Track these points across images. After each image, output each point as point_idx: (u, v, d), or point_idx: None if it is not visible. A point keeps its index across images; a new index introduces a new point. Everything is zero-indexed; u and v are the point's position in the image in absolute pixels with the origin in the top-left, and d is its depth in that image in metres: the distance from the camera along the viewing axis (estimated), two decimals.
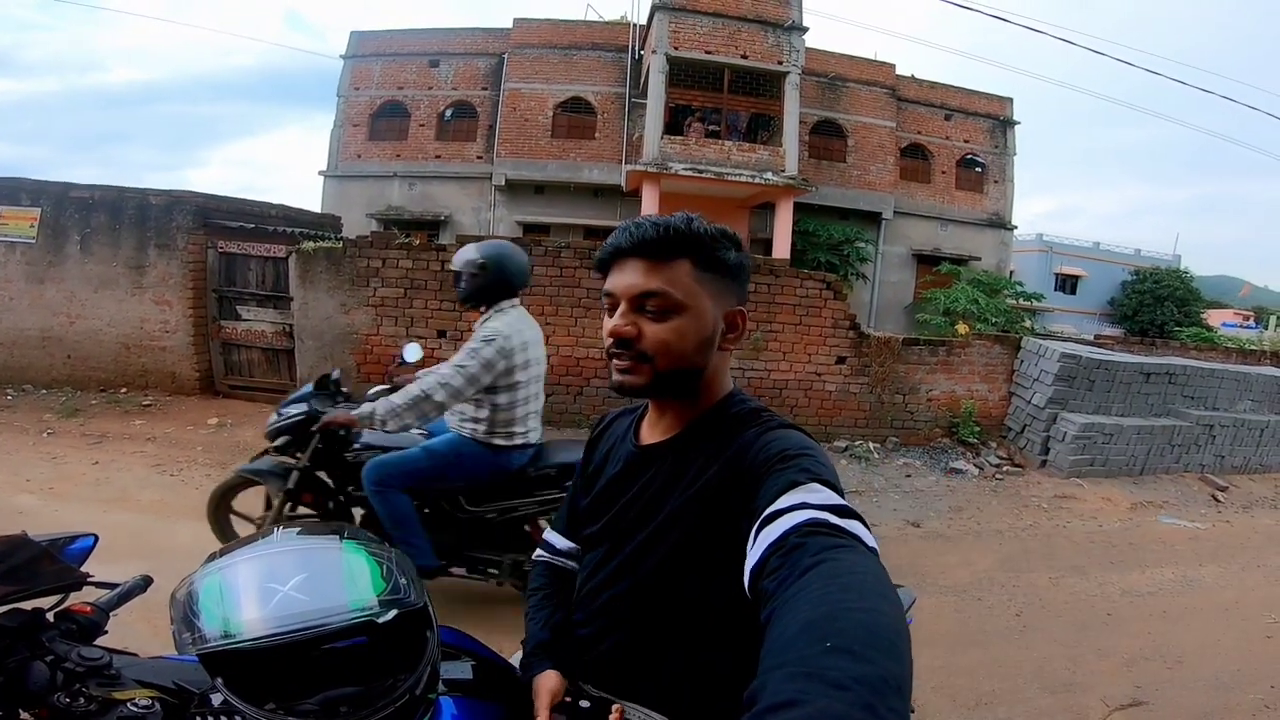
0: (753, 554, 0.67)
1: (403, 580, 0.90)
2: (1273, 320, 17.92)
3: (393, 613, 0.84)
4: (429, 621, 0.92)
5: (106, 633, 1.02)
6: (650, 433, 0.99)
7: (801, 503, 0.68)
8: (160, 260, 6.90)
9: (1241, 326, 26.82)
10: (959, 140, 17.30)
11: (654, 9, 13.29)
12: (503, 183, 15.64)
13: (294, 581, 0.83)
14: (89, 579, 1.03)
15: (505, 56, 15.89)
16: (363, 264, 6.48)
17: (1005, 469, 6.57)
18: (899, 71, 16.70)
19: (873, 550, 0.63)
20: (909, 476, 6.15)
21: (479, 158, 16.23)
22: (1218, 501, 6.04)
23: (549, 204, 15.77)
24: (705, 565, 0.83)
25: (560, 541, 1.16)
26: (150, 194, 7.00)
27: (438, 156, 16.45)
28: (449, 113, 16.65)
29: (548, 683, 0.96)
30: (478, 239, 6.80)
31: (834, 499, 0.69)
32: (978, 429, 7.06)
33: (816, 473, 0.74)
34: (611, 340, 0.89)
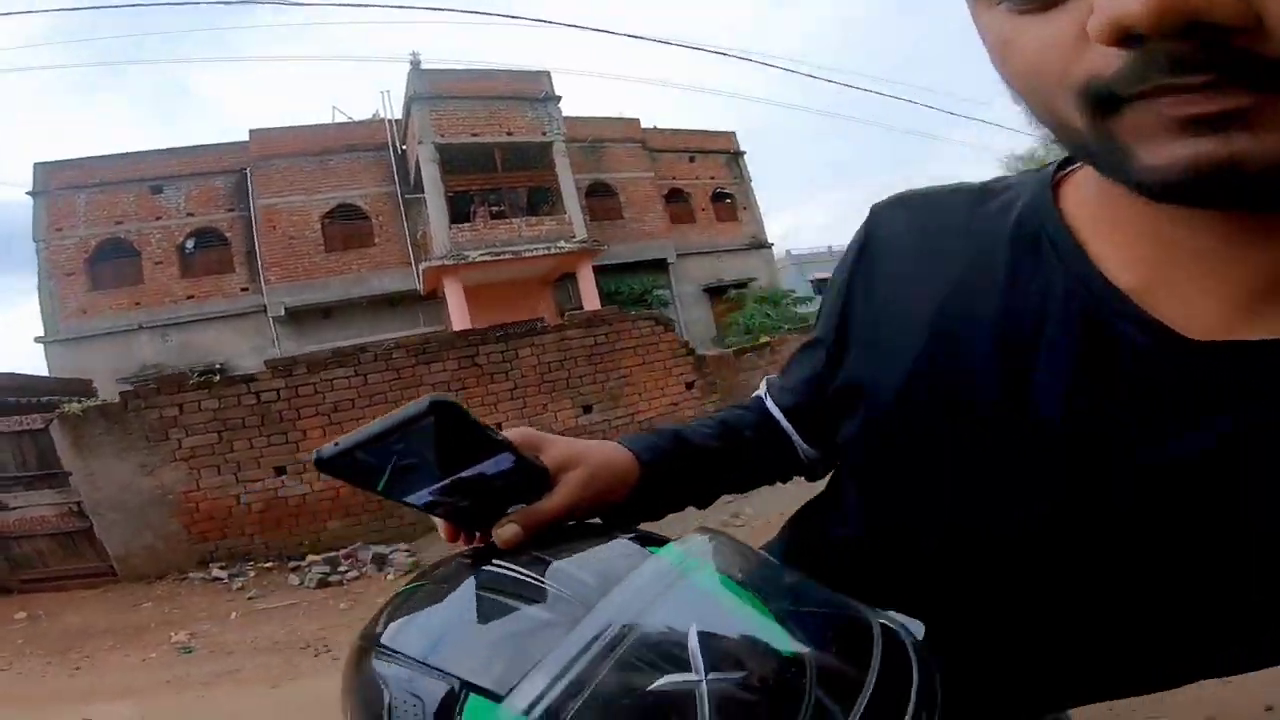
0: None
1: None
2: None
3: None
4: None
5: None
6: (1219, 301, 0.35)
7: None
8: None
9: None
10: (706, 178, 19.53)
11: (409, 102, 13.42)
12: (281, 312, 14.15)
13: None
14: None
15: (248, 172, 14.62)
16: (154, 415, 5.64)
17: None
18: (644, 125, 18.52)
19: None
20: None
21: (244, 289, 14.60)
22: None
23: (342, 326, 14.36)
24: None
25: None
26: None
27: (189, 297, 14.45)
28: (190, 243, 14.77)
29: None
30: (291, 360, 6.26)
31: None
32: None
33: None
34: (1154, 32, 0.23)
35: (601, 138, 17.37)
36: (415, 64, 13.59)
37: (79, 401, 6.27)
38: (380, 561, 5.41)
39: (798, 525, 0.67)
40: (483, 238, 13.06)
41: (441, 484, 0.43)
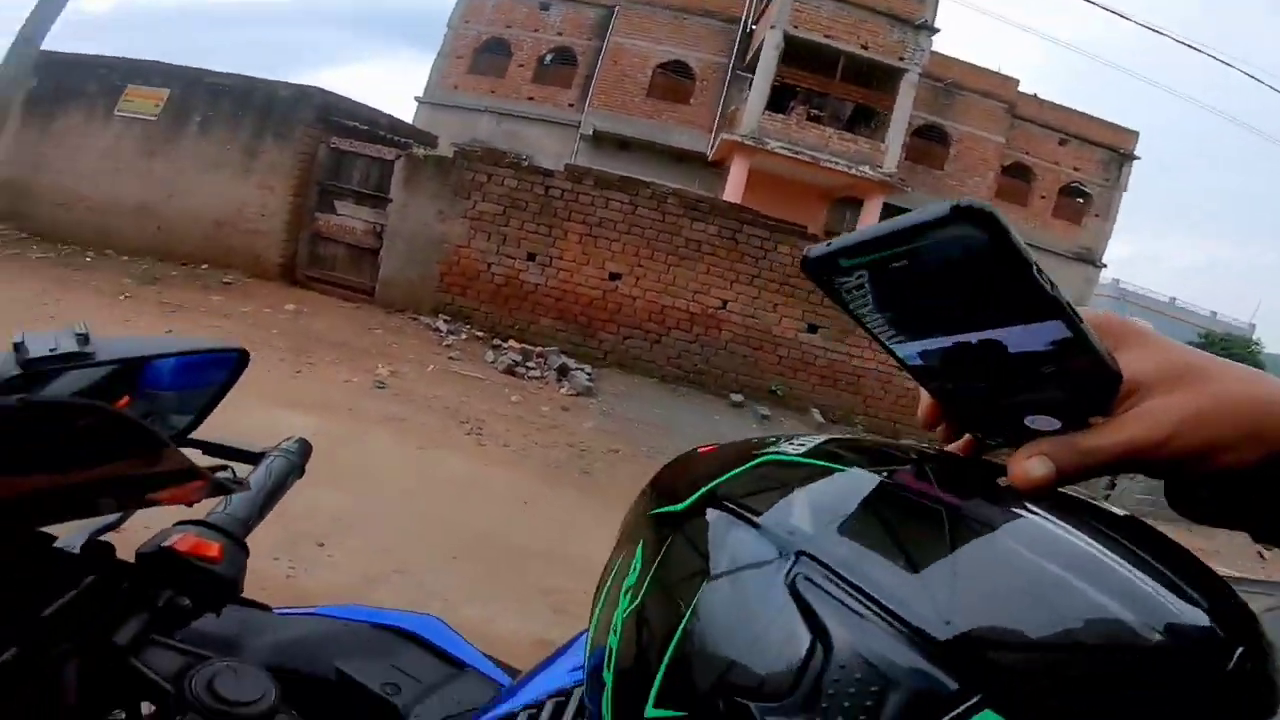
0: None
1: None
2: None
3: None
4: None
5: (240, 594, 0.55)
6: None
7: None
8: (274, 148, 7.11)
9: None
10: (1068, 166, 16.64)
11: None
12: (590, 133, 15.67)
13: None
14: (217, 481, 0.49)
15: (615, 9, 15.82)
16: (468, 177, 6.56)
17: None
18: (1021, 89, 16.07)
19: None
20: None
21: (570, 105, 16.27)
22: (1263, 558, 6.01)
23: (631, 161, 15.62)
24: None
25: None
26: (279, 86, 7.27)
27: (530, 98, 16.53)
28: (549, 57, 16.72)
29: None
30: (586, 170, 6.85)
31: None
32: None
33: None
34: None
35: (962, 84, 15.60)
36: None
37: (424, 149, 7.60)
38: (563, 372, 5.93)
39: None
40: (790, 134, 12.69)
41: (943, 342, 0.29)
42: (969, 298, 0.27)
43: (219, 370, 0.62)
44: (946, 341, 0.29)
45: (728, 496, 0.35)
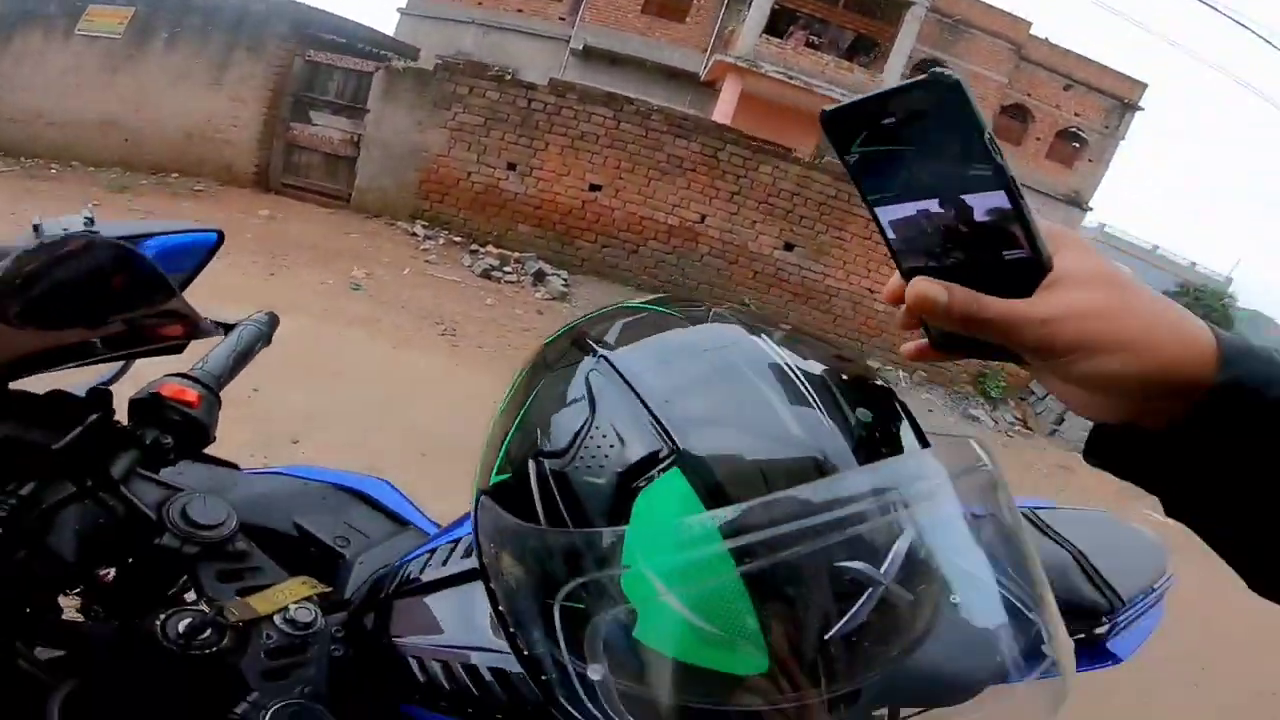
0: None
1: None
2: None
3: None
4: None
5: (214, 440, 0.63)
6: None
7: None
8: (246, 61, 6.93)
9: None
10: (1069, 111, 16.38)
11: None
12: (580, 47, 15.14)
13: None
14: (205, 325, 0.65)
15: None
16: (449, 88, 6.45)
17: (1017, 429, 6.70)
18: (1033, 31, 15.62)
19: None
20: (930, 412, 6.29)
21: (561, 19, 15.60)
22: None
23: (621, 78, 15.08)
24: None
25: None
26: (251, 0, 6.99)
27: (519, 10, 15.82)
28: None
29: None
30: (570, 85, 6.71)
31: None
32: (1003, 386, 7.16)
33: None
34: None
35: (971, 22, 15.03)
36: None
37: (405, 61, 7.38)
38: (539, 277, 6.02)
39: None
40: (786, 58, 12.37)
41: (910, 209, 0.34)
42: (935, 160, 0.32)
43: (195, 255, 0.72)
44: (912, 209, 0.34)
45: (581, 329, 0.47)
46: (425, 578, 0.64)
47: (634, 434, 0.38)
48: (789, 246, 6.74)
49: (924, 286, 0.34)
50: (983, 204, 0.32)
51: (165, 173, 7.01)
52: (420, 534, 0.88)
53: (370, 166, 6.74)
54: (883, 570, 0.37)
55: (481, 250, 6.29)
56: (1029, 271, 0.33)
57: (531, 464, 0.42)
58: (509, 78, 6.52)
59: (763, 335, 0.43)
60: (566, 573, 0.38)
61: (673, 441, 0.37)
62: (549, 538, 0.39)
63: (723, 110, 12.15)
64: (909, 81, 0.32)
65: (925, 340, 0.39)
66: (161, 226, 0.68)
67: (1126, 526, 1.40)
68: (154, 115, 7.05)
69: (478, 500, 0.47)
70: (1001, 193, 0.31)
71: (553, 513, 0.40)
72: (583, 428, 0.40)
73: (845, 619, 0.36)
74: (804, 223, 6.65)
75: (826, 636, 0.37)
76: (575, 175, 6.52)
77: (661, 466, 0.37)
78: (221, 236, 0.72)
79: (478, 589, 0.56)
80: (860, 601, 0.36)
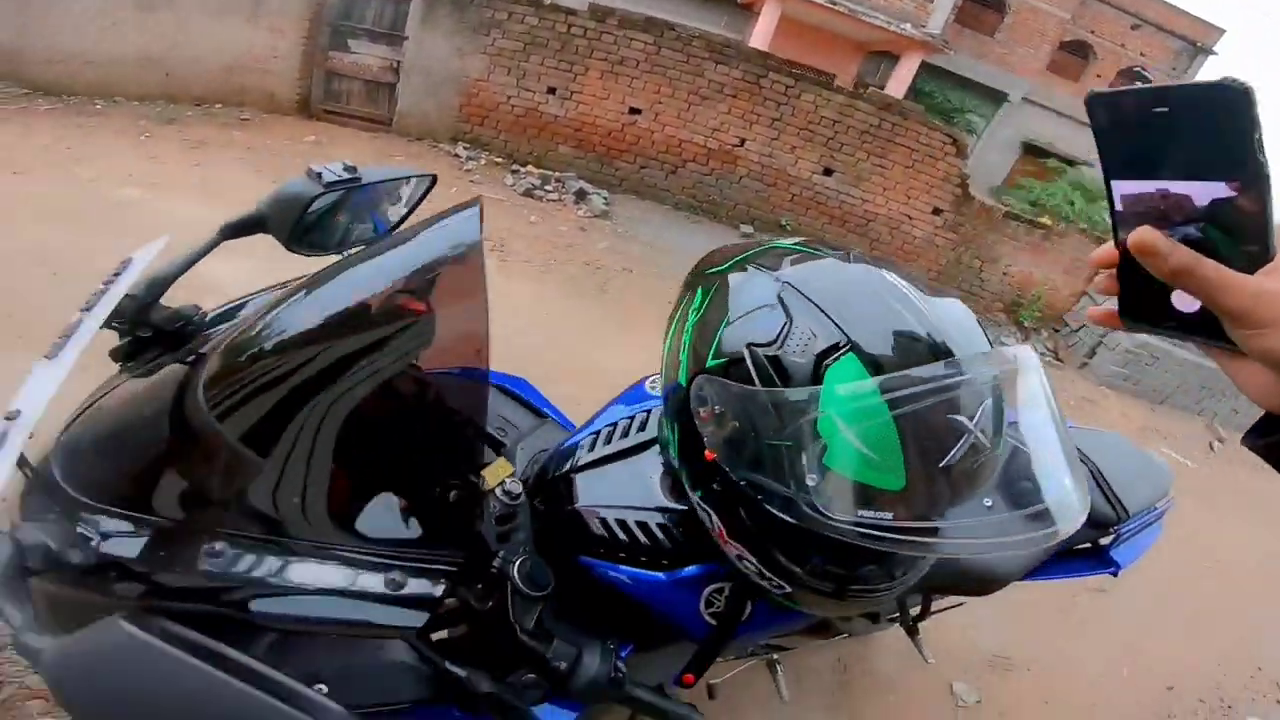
0: None
1: None
2: None
3: None
4: None
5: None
6: None
7: None
8: None
9: None
10: (1134, 51, 15.50)
11: None
12: None
13: None
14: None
15: None
16: (488, 14, 6.44)
17: (1048, 360, 6.65)
18: None
19: None
20: None
21: None
22: (1212, 450, 5.87)
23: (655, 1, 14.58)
24: None
25: None
26: None
27: None
28: None
29: None
30: (610, 10, 6.61)
31: None
32: (1037, 315, 7.14)
33: None
34: None
35: None
36: None
37: None
38: (580, 196, 6.14)
39: None
40: None
41: (1148, 187, 0.36)
42: (1193, 150, 0.34)
43: (418, 188, 0.94)
44: (1151, 187, 0.36)
45: (751, 259, 0.71)
46: (594, 455, 0.84)
47: (822, 331, 0.60)
48: (828, 171, 6.73)
49: (1151, 235, 0.36)
50: (1227, 195, 0.34)
51: (209, 104, 7.14)
52: (556, 424, 1.09)
53: (411, 92, 6.80)
54: (974, 423, 0.57)
55: (523, 170, 6.42)
56: (1250, 261, 0.35)
57: (746, 351, 0.62)
58: (547, 2, 6.47)
59: (884, 268, 0.66)
60: (781, 420, 0.59)
61: (847, 336, 0.59)
62: (772, 395, 0.60)
63: (762, 33, 11.70)
64: (1200, 82, 0.33)
65: (1115, 309, 0.42)
66: (396, 173, 0.90)
67: (1138, 450, 1.55)
68: (193, 51, 7.08)
69: (690, 381, 0.67)
70: (1252, 190, 0.33)
71: (768, 381, 0.60)
72: (783, 328, 0.61)
73: (950, 455, 0.57)
74: (844, 150, 6.61)
75: (941, 465, 0.57)
76: (615, 99, 6.52)
77: (840, 352, 0.58)
78: (434, 179, 0.95)
79: (644, 460, 0.81)
80: (960, 443, 0.57)
